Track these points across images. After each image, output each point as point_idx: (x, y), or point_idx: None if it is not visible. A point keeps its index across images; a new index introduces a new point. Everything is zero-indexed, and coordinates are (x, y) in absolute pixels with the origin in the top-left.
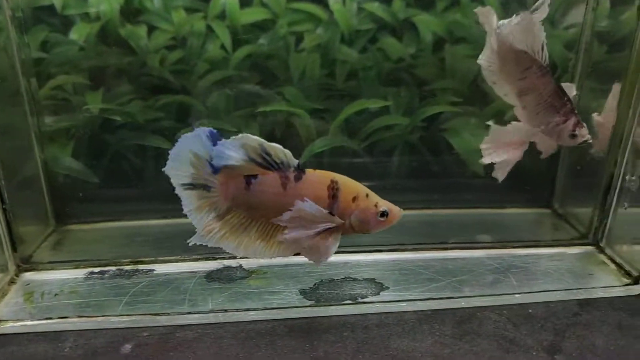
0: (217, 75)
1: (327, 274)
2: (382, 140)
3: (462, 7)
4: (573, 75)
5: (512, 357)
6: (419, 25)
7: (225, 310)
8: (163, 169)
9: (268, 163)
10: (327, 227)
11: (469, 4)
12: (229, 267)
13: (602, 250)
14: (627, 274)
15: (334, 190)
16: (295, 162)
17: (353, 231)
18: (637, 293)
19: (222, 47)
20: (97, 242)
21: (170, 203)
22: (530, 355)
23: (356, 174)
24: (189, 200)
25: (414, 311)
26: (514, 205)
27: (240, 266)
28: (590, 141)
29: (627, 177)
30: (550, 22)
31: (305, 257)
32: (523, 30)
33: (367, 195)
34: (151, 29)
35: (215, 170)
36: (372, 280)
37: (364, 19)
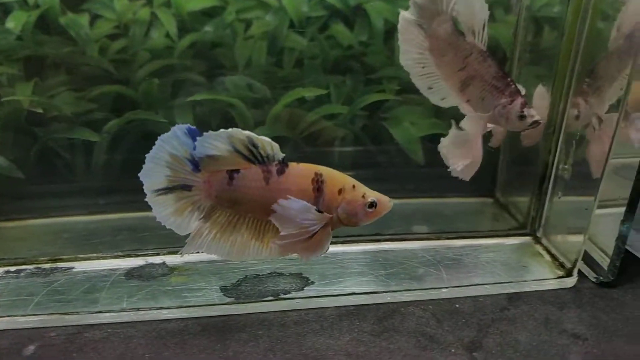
0: (155, 65)
1: (253, 269)
2: (322, 129)
3: None
4: (512, 61)
5: (428, 354)
6: (370, 12)
7: (138, 309)
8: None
9: (253, 155)
10: (317, 228)
11: None
12: (151, 265)
13: (538, 241)
14: (561, 265)
15: (318, 183)
16: (280, 155)
17: (342, 224)
18: (569, 286)
19: (168, 35)
20: (20, 240)
21: (99, 198)
22: (447, 353)
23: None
24: (162, 205)
25: (337, 307)
26: (457, 195)
27: (164, 263)
28: (542, 122)
29: (560, 166)
30: (504, 8)
31: (300, 256)
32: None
33: (353, 186)
34: (94, 17)
35: (196, 167)
36: (299, 275)
37: (315, 6)
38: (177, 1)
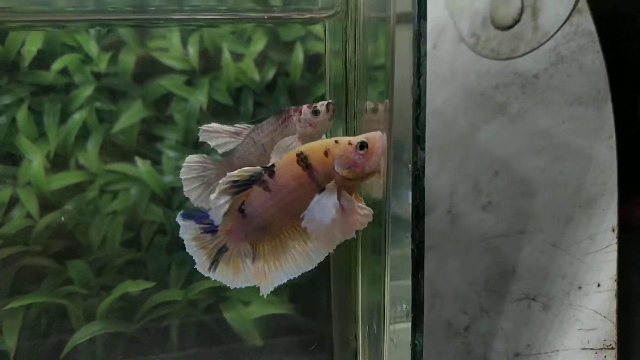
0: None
1: None
2: (158, 318)
3: None
4: None
5: None
6: None
7: None
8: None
9: (244, 184)
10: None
11: None
12: None
13: None
14: None
15: (303, 160)
16: (259, 168)
17: (353, 182)
18: None
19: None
20: None
21: None
22: None
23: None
24: (222, 275)
25: None
26: None
27: None
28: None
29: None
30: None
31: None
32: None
33: (336, 141)
34: None
35: (213, 231)
36: None
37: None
38: (39, 180)
